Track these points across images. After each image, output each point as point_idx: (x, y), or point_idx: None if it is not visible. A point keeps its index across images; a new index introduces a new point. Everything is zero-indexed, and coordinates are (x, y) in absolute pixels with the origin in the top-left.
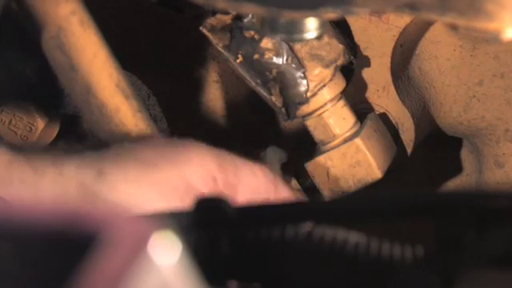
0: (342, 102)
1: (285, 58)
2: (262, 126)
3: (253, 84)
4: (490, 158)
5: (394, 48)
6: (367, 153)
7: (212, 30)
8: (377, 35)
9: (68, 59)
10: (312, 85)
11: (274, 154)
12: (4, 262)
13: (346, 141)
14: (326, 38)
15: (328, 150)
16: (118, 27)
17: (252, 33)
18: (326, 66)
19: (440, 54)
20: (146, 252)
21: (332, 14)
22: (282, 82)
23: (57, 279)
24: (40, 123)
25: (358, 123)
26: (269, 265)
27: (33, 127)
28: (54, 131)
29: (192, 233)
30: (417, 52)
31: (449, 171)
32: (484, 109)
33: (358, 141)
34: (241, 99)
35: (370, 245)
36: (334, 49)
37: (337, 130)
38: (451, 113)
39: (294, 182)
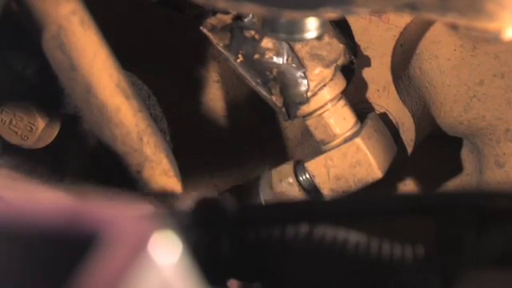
0: (342, 102)
1: (285, 58)
2: (262, 126)
3: (253, 84)
4: (491, 157)
5: (395, 48)
6: (367, 152)
7: (212, 29)
8: (377, 35)
9: (68, 59)
10: (312, 84)
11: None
12: (4, 262)
13: (346, 140)
14: (326, 38)
15: (328, 150)
16: (119, 27)
17: (252, 33)
18: (327, 66)
19: (440, 54)
20: (147, 252)
21: (332, 14)
22: (283, 82)
23: (57, 279)
24: (40, 123)
25: (359, 123)
26: (269, 265)
27: (33, 127)
28: (54, 131)
29: (192, 233)
30: (417, 52)
31: (449, 171)
32: (484, 109)
33: (358, 140)
34: (241, 99)
35: (371, 245)
36: (335, 49)
37: (337, 130)
38: (451, 112)
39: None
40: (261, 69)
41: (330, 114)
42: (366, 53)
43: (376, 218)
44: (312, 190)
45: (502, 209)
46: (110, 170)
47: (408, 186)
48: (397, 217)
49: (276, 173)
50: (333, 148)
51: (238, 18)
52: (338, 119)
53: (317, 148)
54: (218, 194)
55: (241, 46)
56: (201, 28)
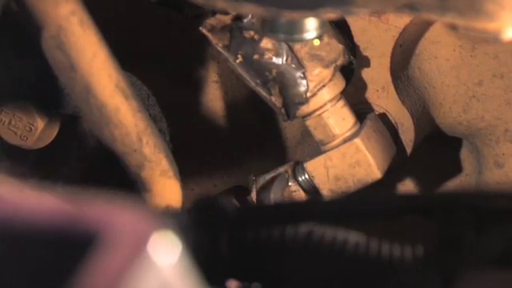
0: (341, 102)
1: (284, 59)
2: (262, 126)
3: (252, 84)
4: (490, 158)
5: (394, 48)
6: (367, 153)
7: (212, 30)
8: (376, 35)
9: (68, 59)
10: (312, 85)
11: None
12: (4, 262)
13: (345, 141)
14: (325, 39)
15: (328, 150)
16: (118, 27)
17: (252, 33)
18: (326, 67)
19: (440, 54)
20: (146, 252)
21: (332, 14)
22: (282, 82)
23: (57, 279)
24: (40, 123)
25: (358, 123)
26: (268, 265)
27: (32, 127)
28: (54, 131)
29: (191, 233)
30: (416, 52)
31: (449, 171)
32: (484, 109)
33: (357, 141)
34: (241, 99)
35: (370, 245)
36: (334, 49)
37: (336, 130)
38: (451, 113)
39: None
40: (260, 69)
41: (330, 114)
42: (365, 53)
43: (375, 218)
44: (311, 190)
45: (501, 209)
46: (110, 171)
47: (407, 186)
48: (396, 217)
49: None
50: (332, 148)
51: (238, 18)
52: (337, 119)
53: (316, 148)
54: (218, 194)
55: (240, 47)
56: (200, 28)
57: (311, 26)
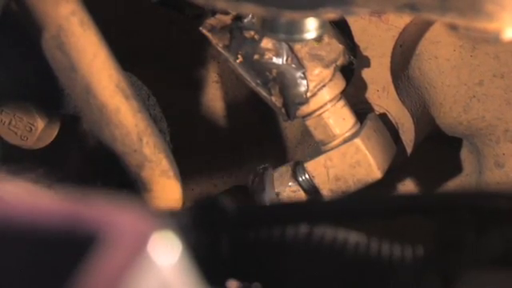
0: (341, 102)
1: (285, 59)
2: (262, 126)
3: (253, 84)
4: (490, 158)
5: (394, 48)
6: (367, 153)
7: (212, 30)
8: (377, 35)
9: (68, 59)
10: (312, 85)
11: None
12: (4, 263)
13: (345, 141)
14: (325, 39)
15: (328, 150)
16: (118, 27)
17: (252, 33)
18: (326, 67)
19: (440, 55)
20: (146, 252)
21: (332, 14)
22: (282, 83)
23: (57, 279)
24: (40, 123)
25: (358, 123)
26: (269, 265)
27: (33, 127)
28: (54, 131)
29: (192, 233)
30: (417, 52)
31: (449, 171)
32: (484, 109)
33: (357, 141)
34: (241, 99)
35: (370, 245)
36: (334, 49)
37: (337, 130)
38: (451, 113)
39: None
40: (260, 69)
41: (330, 114)
42: (365, 53)
43: (375, 218)
44: (311, 190)
45: (501, 209)
46: (110, 171)
47: (408, 186)
48: (396, 217)
49: (277, 175)
50: (332, 148)
51: (238, 18)
52: (337, 119)
53: (316, 148)
54: (218, 194)
55: (240, 47)
56: (200, 28)
57: (311, 26)
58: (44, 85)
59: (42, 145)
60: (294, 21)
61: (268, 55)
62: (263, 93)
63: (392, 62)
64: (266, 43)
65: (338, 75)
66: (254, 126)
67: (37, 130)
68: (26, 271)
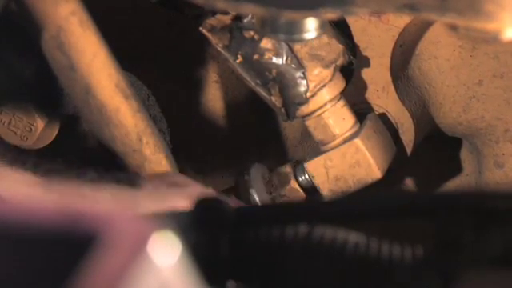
0: (341, 103)
1: (284, 59)
2: (262, 126)
3: (252, 84)
4: (490, 158)
5: (394, 48)
6: (367, 153)
7: (212, 30)
8: (376, 35)
9: (67, 59)
10: (312, 85)
11: (257, 171)
12: (3, 262)
13: (345, 141)
14: (325, 39)
15: (328, 150)
16: (118, 27)
17: (252, 33)
18: (326, 67)
19: (439, 55)
20: (146, 252)
21: (332, 15)
22: (282, 83)
23: (57, 279)
24: (40, 123)
25: (358, 123)
26: (268, 265)
27: (32, 127)
28: (54, 131)
29: (192, 233)
30: (416, 52)
31: (449, 171)
32: (483, 109)
33: (357, 141)
34: (241, 99)
35: (370, 245)
36: (334, 49)
37: (336, 130)
38: (451, 113)
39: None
40: (260, 69)
41: (330, 114)
42: (365, 53)
43: (375, 218)
44: (311, 190)
45: (501, 209)
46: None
47: (407, 186)
48: (396, 217)
49: (276, 175)
50: (332, 148)
51: (238, 18)
52: (337, 120)
53: (316, 148)
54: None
55: (240, 47)
56: (200, 28)
57: (311, 26)
58: (44, 85)
59: (41, 145)
60: (293, 21)
61: (268, 55)
62: (263, 93)
63: (392, 62)
64: (266, 43)
65: (338, 75)
66: (253, 126)
67: (37, 130)
68: (26, 271)
